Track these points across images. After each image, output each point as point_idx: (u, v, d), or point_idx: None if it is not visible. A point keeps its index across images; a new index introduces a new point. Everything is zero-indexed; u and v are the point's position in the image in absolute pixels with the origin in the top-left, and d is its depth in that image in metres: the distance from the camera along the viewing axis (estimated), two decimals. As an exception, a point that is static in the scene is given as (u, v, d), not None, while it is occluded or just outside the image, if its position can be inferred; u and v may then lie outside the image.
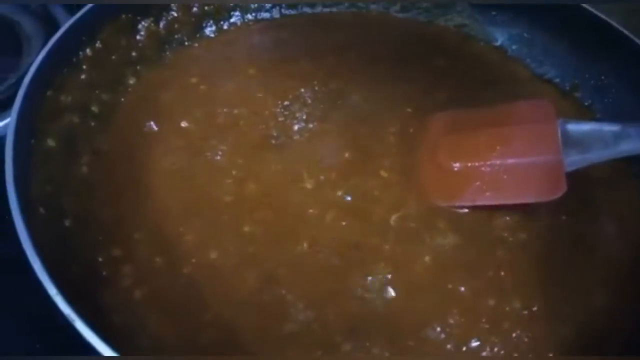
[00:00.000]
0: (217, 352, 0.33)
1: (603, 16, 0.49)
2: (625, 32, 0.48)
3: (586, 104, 0.51)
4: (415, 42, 0.55)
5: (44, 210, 0.35)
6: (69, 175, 0.39)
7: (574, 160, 0.40)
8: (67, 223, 0.36)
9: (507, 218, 0.41)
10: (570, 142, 0.40)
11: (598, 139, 0.40)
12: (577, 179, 0.40)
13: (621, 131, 0.40)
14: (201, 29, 0.52)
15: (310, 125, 0.46)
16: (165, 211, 0.39)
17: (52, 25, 0.63)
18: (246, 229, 0.39)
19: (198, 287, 0.36)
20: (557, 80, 0.53)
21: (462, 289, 0.37)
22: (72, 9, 0.63)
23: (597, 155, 0.40)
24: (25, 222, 0.30)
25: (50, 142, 0.38)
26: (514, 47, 0.55)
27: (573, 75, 0.52)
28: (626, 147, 0.40)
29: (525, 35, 0.54)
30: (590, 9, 0.49)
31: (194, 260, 0.36)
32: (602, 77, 0.50)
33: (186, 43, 0.51)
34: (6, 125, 0.50)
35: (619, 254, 0.41)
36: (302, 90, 0.48)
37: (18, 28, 0.65)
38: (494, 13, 0.55)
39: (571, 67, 0.52)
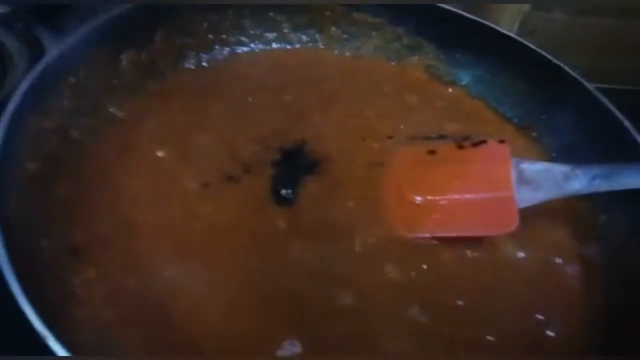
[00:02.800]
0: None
1: (555, 60, 0.53)
2: (576, 75, 0.52)
3: (542, 142, 0.55)
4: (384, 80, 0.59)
5: (21, 230, 0.36)
6: (46, 197, 0.40)
7: (527, 197, 0.43)
8: (43, 244, 0.38)
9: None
10: (524, 180, 0.43)
11: (549, 178, 0.43)
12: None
13: (570, 172, 0.43)
14: (182, 60, 0.55)
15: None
16: (139, 234, 0.40)
17: (36, 47, 0.65)
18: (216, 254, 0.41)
19: (168, 309, 0.37)
20: (516, 119, 0.57)
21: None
22: (57, 31, 0.65)
23: (547, 194, 0.43)
24: (3, 242, 0.31)
25: (31, 165, 0.40)
26: (477, 86, 0.59)
27: (530, 114, 0.56)
28: (574, 187, 0.43)
29: (487, 76, 0.58)
30: (544, 54, 0.54)
31: (164, 283, 0.38)
32: (556, 118, 0.54)
33: (167, 74, 0.53)
34: None
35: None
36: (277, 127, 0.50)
37: (1, 49, 0.66)
38: (458, 55, 0.59)
39: (528, 107, 0.56)
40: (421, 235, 0.44)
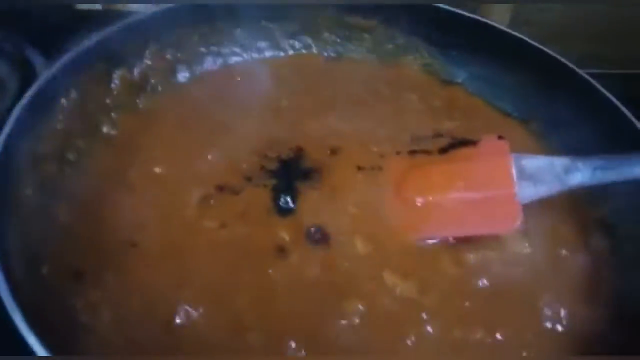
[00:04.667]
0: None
1: (550, 52, 0.53)
2: (572, 66, 0.52)
3: (543, 135, 0.54)
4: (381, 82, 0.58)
5: (21, 258, 0.35)
6: (45, 222, 0.40)
7: (529, 193, 0.42)
8: (44, 270, 0.37)
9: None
10: (525, 175, 0.43)
11: (550, 172, 0.43)
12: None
13: (571, 164, 0.43)
14: (174, 74, 0.54)
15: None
16: (141, 256, 0.40)
17: (26, 69, 0.65)
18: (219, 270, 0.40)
19: (174, 330, 0.37)
20: (516, 114, 0.56)
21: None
22: (48, 53, 0.65)
23: (549, 188, 0.43)
24: (3, 274, 0.31)
25: (28, 191, 0.39)
26: (474, 83, 0.58)
27: (530, 108, 0.55)
28: (576, 180, 0.42)
29: (484, 72, 0.58)
30: (540, 47, 0.53)
31: (169, 304, 0.38)
32: (556, 110, 0.53)
33: (159, 89, 0.53)
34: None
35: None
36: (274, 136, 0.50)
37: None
38: (453, 53, 0.59)
39: (528, 101, 0.55)
40: (425, 237, 0.44)
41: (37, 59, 0.66)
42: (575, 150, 0.47)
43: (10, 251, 0.34)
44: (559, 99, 0.53)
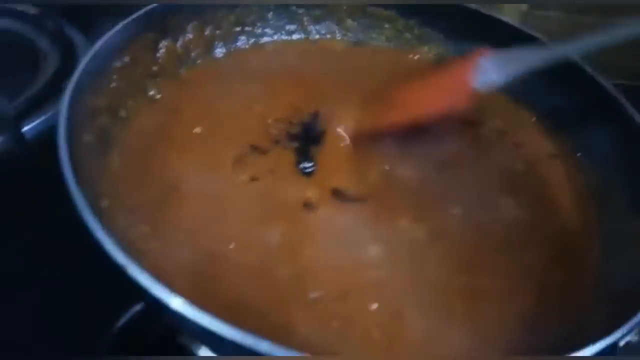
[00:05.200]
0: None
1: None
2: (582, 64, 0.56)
3: (557, 127, 0.58)
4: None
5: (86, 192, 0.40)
6: (102, 166, 0.45)
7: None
8: (103, 204, 0.42)
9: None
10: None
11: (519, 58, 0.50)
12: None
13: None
14: (212, 50, 0.60)
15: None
16: (182, 198, 0.45)
17: (67, 45, 0.70)
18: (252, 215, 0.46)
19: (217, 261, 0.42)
20: (525, 103, 0.61)
21: None
22: (86, 30, 0.70)
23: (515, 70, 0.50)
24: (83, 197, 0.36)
25: (88, 137, 0.45)
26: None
27: (541, 102, 0.60)
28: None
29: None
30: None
31: (210, 237, 0.43)
32: (566, 105, 0.58)
33: (198, 62, 0.58)
34: (36, 127, 0.57)
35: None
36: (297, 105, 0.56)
37: (34, 45, 0.71)
38: (465, 46, 0.63)
39: (536, 91, 0.60)
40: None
41: (76, 37, 0.72)
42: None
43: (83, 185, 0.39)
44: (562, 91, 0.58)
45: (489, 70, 0.50)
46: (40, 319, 0.46)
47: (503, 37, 0.60)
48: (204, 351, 0.42)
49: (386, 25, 0.66)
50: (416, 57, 0.65)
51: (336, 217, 0.47)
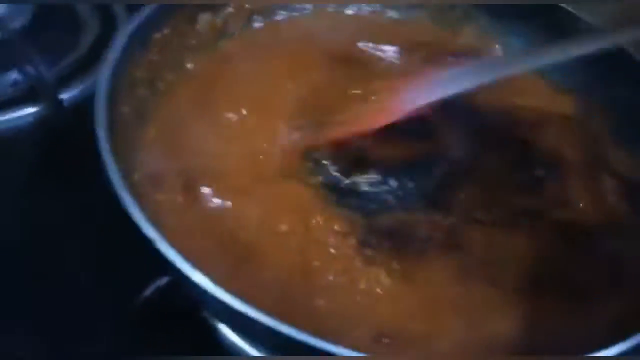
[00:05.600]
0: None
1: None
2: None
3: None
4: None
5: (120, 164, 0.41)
6: (138, 139, 0.45)
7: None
8: (136, 177, 0.43)
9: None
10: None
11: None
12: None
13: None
14: (250, 22, 0.59)
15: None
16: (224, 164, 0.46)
17: (107, 12, 0.71)
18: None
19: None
20: (565, 86, 0.58)
21: None
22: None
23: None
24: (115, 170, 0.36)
25: (125, 109, 0.45)
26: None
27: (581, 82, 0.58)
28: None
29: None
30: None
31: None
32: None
33: (236, 34, 0.58)
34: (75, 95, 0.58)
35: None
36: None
37: (75, 13, 0.72)
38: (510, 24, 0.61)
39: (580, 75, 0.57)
40: None
41: (116, 6, 0.72)
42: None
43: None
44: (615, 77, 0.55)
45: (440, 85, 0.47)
46: (65, 285, 0.47)
47: (546, 15, 0.58)
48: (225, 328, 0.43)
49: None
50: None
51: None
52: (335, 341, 0.30)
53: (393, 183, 0.49)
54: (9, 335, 0.44)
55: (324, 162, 0.49)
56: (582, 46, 0.44)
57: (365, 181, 0.48)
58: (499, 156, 0.52)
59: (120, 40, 0.44)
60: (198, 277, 0.31)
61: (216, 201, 0.44)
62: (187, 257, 0.33)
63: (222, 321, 0.42)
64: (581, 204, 0.49)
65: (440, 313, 0.41)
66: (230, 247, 0.41)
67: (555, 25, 0.58)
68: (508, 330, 0.40)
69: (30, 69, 0.59)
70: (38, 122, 0.58)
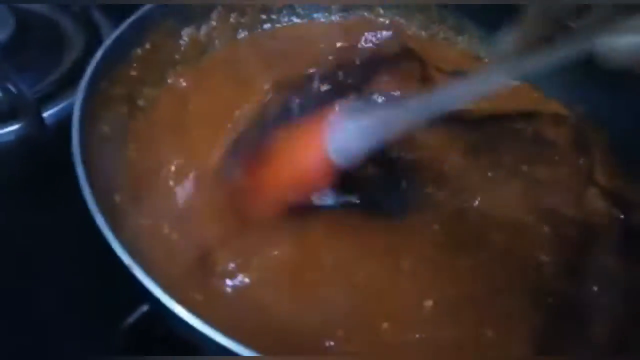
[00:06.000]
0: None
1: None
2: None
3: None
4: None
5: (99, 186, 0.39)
6: (119, 158, 0.44)
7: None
8: (117, 198, 0.41)
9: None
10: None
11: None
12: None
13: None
14: (235, 36, 0.58)
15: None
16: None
17: (91, 27, 0.70)
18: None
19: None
20: (559, 97, 0.57)
21: None
22: (110, 13, 0.69)
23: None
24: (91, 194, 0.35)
25: (104, 128, 0.44)
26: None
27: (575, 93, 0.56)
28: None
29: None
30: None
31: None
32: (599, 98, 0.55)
33: (219, 47, 0.57)
34: (57, 113, 0.57)
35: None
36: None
37: (59, 28, 0.71)
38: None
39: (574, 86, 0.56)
40: None
41: (102, 21, 0.71)
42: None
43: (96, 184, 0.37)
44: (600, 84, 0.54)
45: (345, 136, 0.41)
46: (48, 308, 0.45)
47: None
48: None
49: (418, 15, 0.63)
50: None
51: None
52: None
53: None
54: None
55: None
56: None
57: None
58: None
59: (97, 58, 0.43)
60: (176, 307, 0.30)
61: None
62: (167, 283, 0.31)
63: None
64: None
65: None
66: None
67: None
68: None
69: (11, 86, 0.57)
70: (19, 140, 0.57)
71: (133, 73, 0.48)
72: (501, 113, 0.54)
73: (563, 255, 0.44)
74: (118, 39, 0.45)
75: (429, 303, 0.40)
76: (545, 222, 0.47)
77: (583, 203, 0.48)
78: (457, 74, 0.56)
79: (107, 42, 0.44)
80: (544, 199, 0.48)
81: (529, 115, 0.55)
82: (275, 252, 0.41)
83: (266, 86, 0.52)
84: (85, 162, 0.36)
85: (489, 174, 0.50)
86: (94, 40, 0.68)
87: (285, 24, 0.61)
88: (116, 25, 0.48)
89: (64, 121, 0.58)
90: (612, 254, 0.45)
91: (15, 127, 0.58)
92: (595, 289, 0.42)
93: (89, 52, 0.65)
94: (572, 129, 0.54)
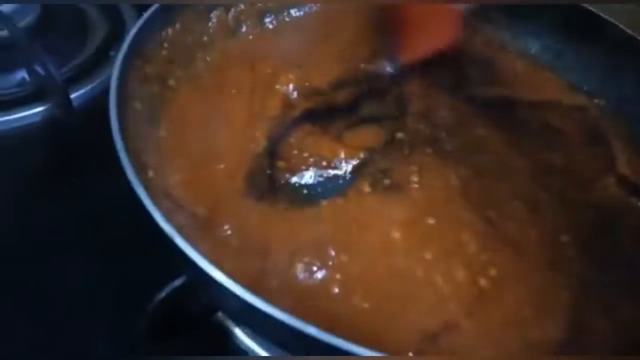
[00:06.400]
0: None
1: (625, 28, 0.54)
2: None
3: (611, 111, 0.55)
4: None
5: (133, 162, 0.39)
6: (150, 135, 0.44)
7: None
8: (150, 174, 0.41)
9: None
10: None
11: None
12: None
13: None
14: (262, 20, 0.58)
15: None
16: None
17: (115, 13, 0.70)
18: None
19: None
20: (585, 87, 0.57)
21: None
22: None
23: None
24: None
25: (137, 105, 0.44)
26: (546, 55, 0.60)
27: (600, 83, 0.57)
28: None
29: (557, 45, 0.59)
30: (616, 23, 0.54)
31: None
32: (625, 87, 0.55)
33: (247, 31, 0.57)
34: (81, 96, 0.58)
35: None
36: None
37: (83, 14, 0.71)
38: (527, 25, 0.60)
39: (598, 76, 0.57)
40: None
41: (124, 6, 0.71)
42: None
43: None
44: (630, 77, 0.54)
45: None
46: (79, 285, 0.46)
47: (565, 16, 0.57)
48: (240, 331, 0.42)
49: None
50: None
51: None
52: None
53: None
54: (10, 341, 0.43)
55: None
56: None
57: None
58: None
59: (131, 36, 0.43)
60: (218, 275, 0.30)
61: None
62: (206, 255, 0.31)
63: (239, 322, 0.40)
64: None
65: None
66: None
67: (574, 25, 0.57)
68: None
69: (39, 68, 0.58)
70: (46, 122, 0.57)
71: (164, 53, 0.48)
72: (523, 100, 0.55)
73: (580, 236, 0.45)
74: (149, 19, 0.45)
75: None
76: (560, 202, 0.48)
77: (596, 189, 0.49)
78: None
79: (140, 22, 0.45)
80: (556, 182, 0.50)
81: (548, 104, 0.55)
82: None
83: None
84: (123, 133, 0.35)
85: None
86: (118, 24, 0.69)
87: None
88: (139, 10, 0.48)
89: (90, 103, 0.59)
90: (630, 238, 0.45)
91: (41, 108, 0.58)
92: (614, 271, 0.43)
93: (112, 36, 0.66)
94: (591, 119, 0.54)
